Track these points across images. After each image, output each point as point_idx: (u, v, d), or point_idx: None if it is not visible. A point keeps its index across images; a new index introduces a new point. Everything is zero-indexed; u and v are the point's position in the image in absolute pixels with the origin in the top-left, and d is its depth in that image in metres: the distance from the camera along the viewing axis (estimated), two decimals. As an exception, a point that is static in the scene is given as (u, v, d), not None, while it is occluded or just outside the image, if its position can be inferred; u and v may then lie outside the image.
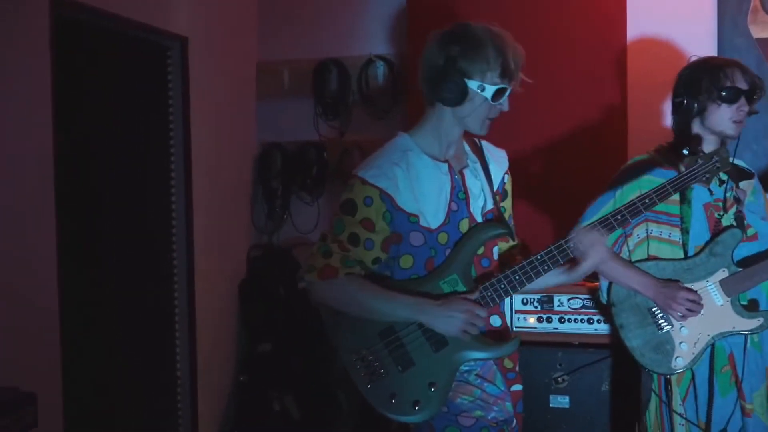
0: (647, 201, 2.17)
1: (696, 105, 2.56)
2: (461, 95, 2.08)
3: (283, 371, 4.01)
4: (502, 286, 2.12)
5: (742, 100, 2.53)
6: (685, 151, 2.27)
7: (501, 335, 2.21)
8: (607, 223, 2.14)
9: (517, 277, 2.11)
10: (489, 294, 2.12)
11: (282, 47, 4.39)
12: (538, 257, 2.11)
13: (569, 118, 3.85)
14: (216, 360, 4.05)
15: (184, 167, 3.92)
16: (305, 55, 4.32)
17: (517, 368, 2.27)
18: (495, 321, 2.22)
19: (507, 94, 2.11)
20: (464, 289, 2.12)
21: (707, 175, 2.23)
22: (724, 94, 2.52)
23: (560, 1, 3.87)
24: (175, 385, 3.91)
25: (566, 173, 3.78)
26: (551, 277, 2.19)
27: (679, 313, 2.53)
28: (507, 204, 2.34)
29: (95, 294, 3.90)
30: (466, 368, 2.15)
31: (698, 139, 2.58)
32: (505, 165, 2.31)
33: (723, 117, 2.54)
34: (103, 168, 4.01)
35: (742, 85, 2.53)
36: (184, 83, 3.91)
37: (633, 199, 2.18)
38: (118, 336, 3.92)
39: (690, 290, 2.54)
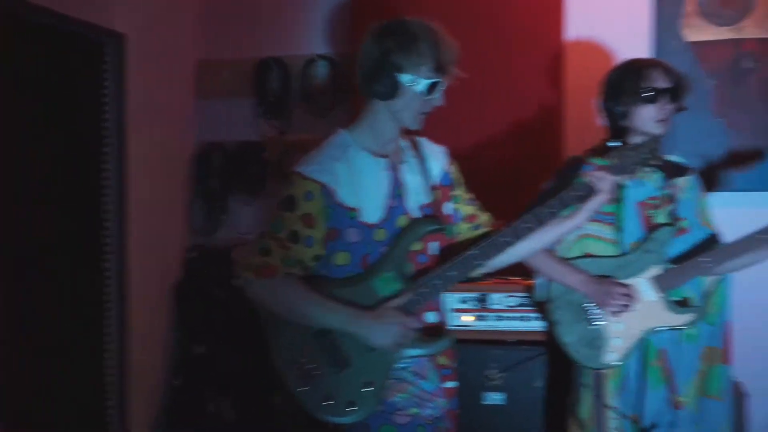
0: (581, 194, 2.19)
1: (621, 107, 2.60)
2: (394, 89, 2.08)
3: (218, 373, 3.94)
4: (439, 282, 2.12)
5: (664, 99, 2.56)
6: (613, 143, 2.29)
7: (436, 331, 2.19)
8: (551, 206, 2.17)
9: (453, 273, 2.12)
10: (425, 290, 2.11)
11: (223, 46, 4.33)
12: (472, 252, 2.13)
13: (506, 118, 3.86)
14: (149, 363, 3.96)
15: (119, 166, 3.84)
16: (246, 54, 4.27)
17: (454, 365, 2.25)
18: (431, 317, 2.20)
19: (441, 88, 2.11)
20: (400, 286, 2.10)
21: (635, 166, 2.23)
22: (644, 95, 2.56)
23: (500, 2, 3.89)
24: (105, 389, 3.81)
25: (502, 172, 3.78)
26: (546, 235, 2.24)
27: (614, 309, 2.55)
28: (460, 191, 2.34)
29: (24, 295, 3.78)
30: (401, 365, 2.13)
31: (626, 132, 2.60)
32: (444, 159, 2.31)
33: (647, 117, 2.57)
34: (35, 166, 3.90)
35: (663, 84, 2.56)
36: (120, 81, 3.84)
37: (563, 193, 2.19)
38: (48, 338, 3.80)
39: (624, 285, 2.56)
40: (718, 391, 2.68)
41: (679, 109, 2.63)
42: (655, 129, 2.58)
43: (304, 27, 4.26)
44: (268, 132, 4.28)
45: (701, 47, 3.72)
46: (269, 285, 2.08)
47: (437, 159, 2.29)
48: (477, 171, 3.74)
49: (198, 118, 4.38)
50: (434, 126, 2.25)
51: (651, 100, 2.56)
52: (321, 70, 4.21)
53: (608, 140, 2.68)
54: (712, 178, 3.70)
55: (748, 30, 3.67)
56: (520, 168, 3.72)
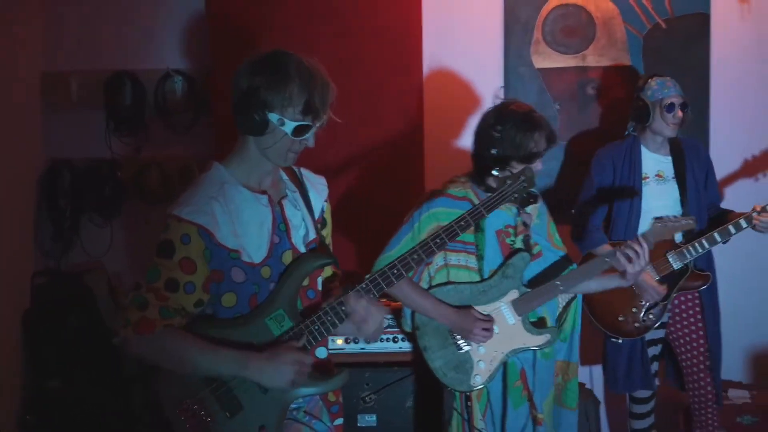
0: (463, 223, 2.21)
1: (503, 160, 2.65)
2: (261, 126, 2.01)
3: (76, 408, 3.72)
4: (329, 318, 2.08)
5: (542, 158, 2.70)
6: (495, 172, 2.37)
7: (326, 367, 2.17)
8: (416, 254, 2.15)
9: (344, 308, 2.08)
10: (317, 327, 2.08)
11: (70, 57, 4.11)
12: (362, 285, 2.09)
13: (370, 143, 3.91)
14: (-4, 399, 3.68)
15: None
16: (95, 66, 4.07)
17: (341, 399, 2.25)
18: (321, 353, 2.18)
19: (311, 131, 2.05)
20: (291, 324, 2.06)
21: (515, 195, 2.31)
22: (529, 156, 2.64)
23: (361, 32, 3.92)
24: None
25: (365, 197, 3.84)
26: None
27: (478, 339, 2.69)
28: (326, 232, 2.30)
29: None
30: (295, 406, 2.11)
31: (506, 161, 2.65)
32: (325, 192, 2.27)
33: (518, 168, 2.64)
34: None
35: (543, 147, 2.67)
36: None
37: (451, 223, 2.20)
38: None
39: (483, 319, 2.69)
40: (572, 401, 2.89)
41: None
42: None
43: (158, 40, 4.12)
44: (120, 149, 4.10)
45: (549, 74, 3.96)
46: (149, 341, 1.97)
47: (318, 192, 2.25)
48: (340, 198, 3.82)
49: (44, 134, 4.12)
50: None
51: (533, 161, 2.65)
52: (177, 85, 4.08)
53: (471, 173, 2.78)
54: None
55: (591, 58, 3.95)
56: (384, 193, 3.79)
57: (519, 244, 2.77)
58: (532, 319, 2.76)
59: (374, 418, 3.21)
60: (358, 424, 3.19)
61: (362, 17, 3.91)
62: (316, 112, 2.02)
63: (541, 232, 2.85)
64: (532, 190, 2.37)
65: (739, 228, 3.22)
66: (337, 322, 2.08)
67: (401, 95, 3.95)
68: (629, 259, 2.58)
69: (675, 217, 2.70)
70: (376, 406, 3.21)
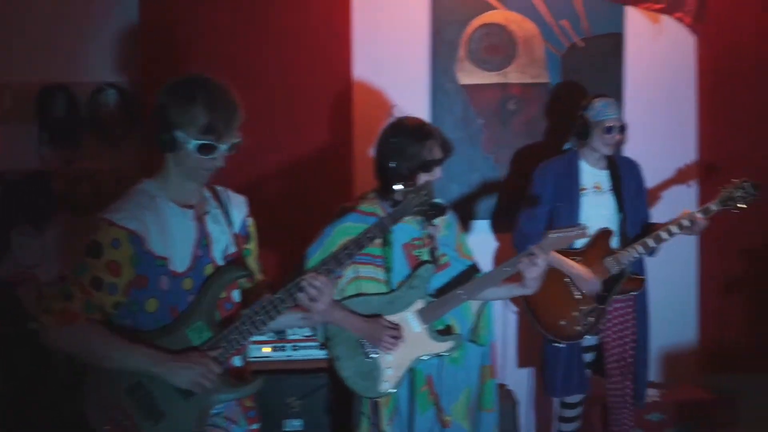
0: (370, 235, 2.32)
1: (401, 171, 2.77)
2: (170, 144, 2.14)
3: (9, 420, 3.72)
4: (245, 327, 2.19)
5: (438, 167, 2.82)
6: (397, 187, 2.48)
7: (242, 374, 2.28)
8: (332, 262, 2.27)
9: (260, 317, 2.18)
10: (234, 337, 2.18)
11: (1, 69, 4.10)
12: (278, 296, 2.19)
13: (298, 158, 4.04)
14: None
15: None
16: (28, 78, 4.09)
17: (256, 405, 2.36)
18: (237, 361, 2.29)
19: (218, 151, 2.15)
20: (210, 335, 2.17)
21: (417, 207, 2.43)
22: (424, 165, 2.77)
23: (290, 46, 4.03)
24: None
25: (292, 211, 3.94)
26: (294, 320, 2.35)
27: (386, 346, 2.80)
28: (252, 245, 2.42)
29: None
30: (214, 411, 2.21)
31: (406, 173, 2.76)
32: (244, 209, 2.39)
33: (420, 181, 2.76)
34: None
35: (438, 155, 2.81)
36: None
37: (359, 236, 2.32)
38: None
39: (391, 327, 2.80)
40: (490, 403, 3.02)
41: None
42: None
43: (91, 53, 4.15)
44: (53, 161, 4.12)
45: (473, 90, 4.12)
46: (68, 331, 2.08)
47: (238, 209, 2.37)
48: (270, 206, 3.91)
49: (-27, 145, 4.13)
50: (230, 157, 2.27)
51: (431, 169, 2.79)
52: (110, 98, 4.13)
53: (377, 189, 2.89)
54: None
55: (513, 75, 4.13)
56: (312, 203, 3.88)
57: (426, 256, 2.88)
58: (439, 327, 2.88)
59: (300, 422, 3.31)
60: (285, 429, 3.29)
61: (292, 31, 4.04)
62: (219, 133, 2.14)
63: (450, 243, 2.96)
64: (439, 201, 2.48)
65: (670, 234, 3.40)
66: (252, 330, 2.19)
67: (330, 110, 4.08)
68: (526, 267, 2.71)
69: (569, 227, 2.85)
70: (301, 411, 3.31)
